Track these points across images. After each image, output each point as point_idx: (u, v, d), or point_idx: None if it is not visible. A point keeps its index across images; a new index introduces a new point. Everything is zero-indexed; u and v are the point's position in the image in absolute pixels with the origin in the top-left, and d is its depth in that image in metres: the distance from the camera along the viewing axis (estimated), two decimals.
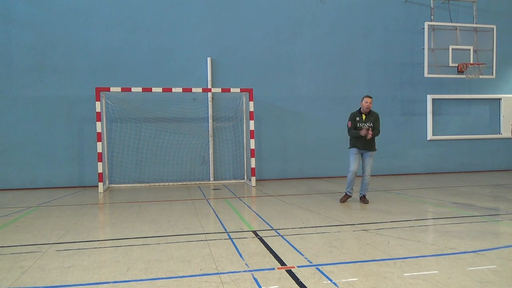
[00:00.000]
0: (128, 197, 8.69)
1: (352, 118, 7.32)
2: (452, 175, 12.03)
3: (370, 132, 6.99)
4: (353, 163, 7.25)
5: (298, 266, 3.82)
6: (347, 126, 7.37)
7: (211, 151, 11.07)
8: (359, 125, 7.17)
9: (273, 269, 3.77)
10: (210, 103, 11.06)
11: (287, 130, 11.62)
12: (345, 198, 7.47)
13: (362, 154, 7.31)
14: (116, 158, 10.59)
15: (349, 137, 7.42)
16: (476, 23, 11.95)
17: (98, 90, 9.57)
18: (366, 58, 12.08)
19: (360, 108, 7.28)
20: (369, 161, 7.26)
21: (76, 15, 10.50)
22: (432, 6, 11.84)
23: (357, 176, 7.48)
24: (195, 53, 11.06)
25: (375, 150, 7.31)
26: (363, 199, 7.41)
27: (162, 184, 10.67)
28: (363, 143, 7.16)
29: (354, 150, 7.30)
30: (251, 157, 10.28)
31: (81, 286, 3.44)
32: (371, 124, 7.15)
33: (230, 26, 11.28)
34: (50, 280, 3.57)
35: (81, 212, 6.90)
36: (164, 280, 3.55)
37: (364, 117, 7.21)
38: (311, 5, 11.74)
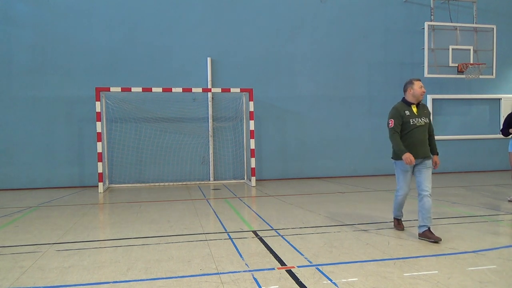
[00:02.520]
0: (128, 197, 8.69)
1: (399, 113, 4.89)
2: (452, 175, 12.03)
3: (437, 162, 4.99)
4: (405, 183, 4.96)
5: (298, 266, 3.82)
6: (388, 126, 4.94)
7: (211, 151, 11.07)
8: (413, 121, 4.85)
9: (273, 269, 3.77)
10: (210, 103, 11.06)
11: (287, 130, 11.61)
12: (399, 223, 5.31)
13: (415, 166, 4.92)
14: (116, 158, 10.59)
15: (393, 144, 4.94)
16: (476, 23, 11.95)
17: (98, 90, 9.56)
18: (366, 58, 12.08)
19: (405, 98, 5.01)
20: (427, 174, 4.84)
21: (76, 15, 10.51)
22: (432, 6, 11.85)
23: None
24: (195, 53, 11.06)
25: (430, 157, 4.98)
26: (430, 235, 4.67)
27: (162, 184, 10.67)
28: (422, 150, 4.85)
29: (404, 164, 4.84)
30: (251, 157, 10.28)
31: (81, 286, 3.44)
32: (427, 119, 4.95)
33: (230, 26, 11.29)
34: (50, 280, 3.57)
35: (81, 212, 6.90)
36: (164, 280, 3.55)
37: (415, 110, 4.92)
38: (311, 5, 11.74)
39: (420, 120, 4.87)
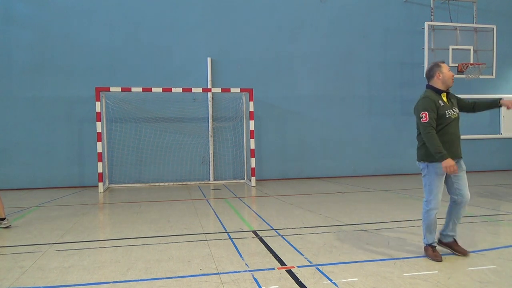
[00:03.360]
0: (128, 197, 8.69)
1: (433, 103, 3.97)
2: None
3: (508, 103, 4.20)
4: (439, 193, 4.09)
5: (298, 266, 3.82)
6: (422, 120, 3.96)
7: (211, 151, 11.07)
8: (448, 113, 3.97)
9: (273, 269, 3.77)
10: (210, 103, 11.06)
11: (287, 130, 11.61)
12: (435, 251, 4.04)
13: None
14: (116, 158, 10.59)
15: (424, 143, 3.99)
16: (476, 23, 11.95)
17: (98, 90, 9.57)
18: (366, 58, 12.08)
19: (432, 85, 4.16)
20: (466, 179, 4.12)
21: (76, 15, 10.51)
22: (432, 6, 11.85)
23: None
24: (195, 53, 11.06)
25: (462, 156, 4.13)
26: (456, 246, 4.14)
27: (162, 184, 10.67)
28: (459, 148, 4.07)
29: (441, 166, 3.86)
30: (251, 157, 10.28)
31: (81, 286, 3.44)
32: (458, 109, 4.11)
33: (230, 26, 11.29)
34: (50, 280, 3.57)
35: (81, 212, 6.90)
36: (164, 280, 3.55)
37: (445, 99, 4.07)
38: (311, 5, 11.74)
39: (454, 112, 4.00)
